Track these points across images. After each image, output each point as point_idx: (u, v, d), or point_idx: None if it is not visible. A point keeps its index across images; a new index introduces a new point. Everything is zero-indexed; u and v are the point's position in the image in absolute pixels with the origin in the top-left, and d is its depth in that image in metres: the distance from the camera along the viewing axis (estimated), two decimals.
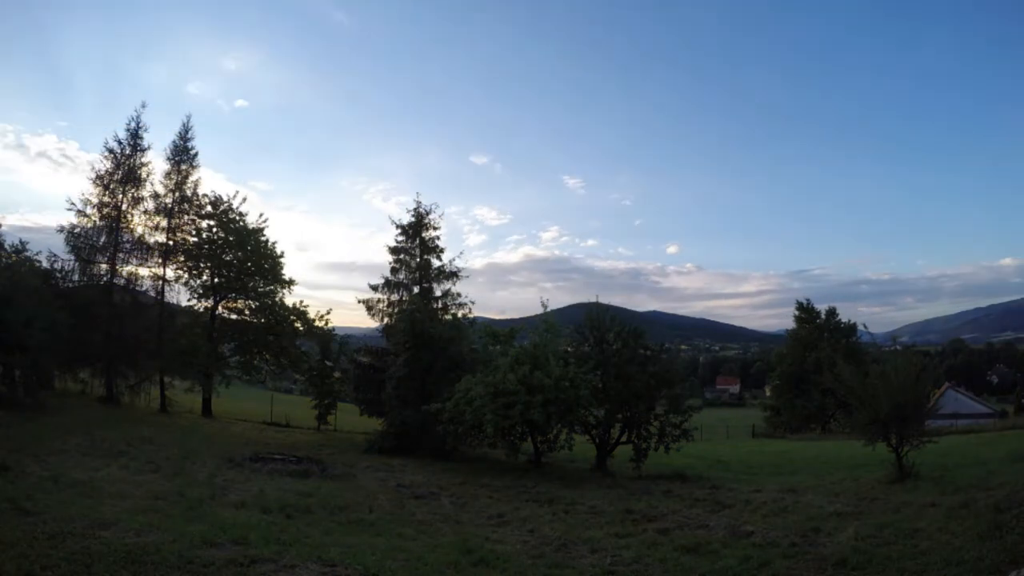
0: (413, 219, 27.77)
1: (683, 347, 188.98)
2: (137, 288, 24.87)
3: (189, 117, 26.29)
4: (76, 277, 23.67)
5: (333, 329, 29.77)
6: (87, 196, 23.46)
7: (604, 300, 21.83)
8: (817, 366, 41.02)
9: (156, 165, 24.94)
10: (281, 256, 27.12)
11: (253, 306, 27.29)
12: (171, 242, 25.28)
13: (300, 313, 27.53)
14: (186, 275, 25.95)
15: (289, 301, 27.71)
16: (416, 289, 27.22)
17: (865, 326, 47.87)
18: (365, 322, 29.50)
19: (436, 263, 27.80)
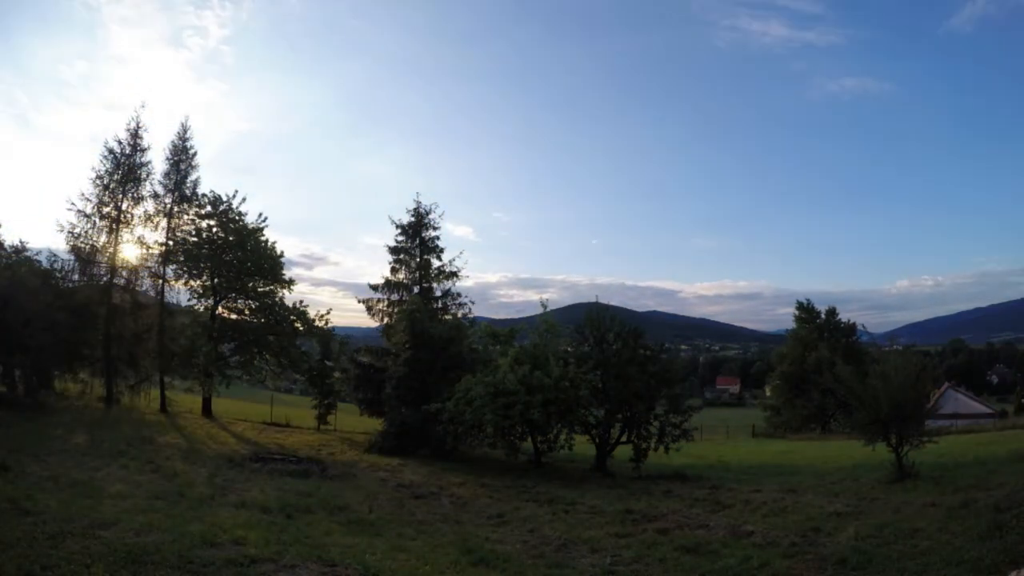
0: (413, 219, 27.77)
1: (683, 347, 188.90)
2: (137, 288, 24.85)
3: (188, 118, 26.30)
4: (76, 277, 23.65)
5: (333, 329, 29.73)
6: (87, 196, 23.47)
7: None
8: (817, 366, 41.05)
9: (156, 165, 24.95)
10: (281, 256, 27.09)
11: (253, 306, 27.24)
12: (171, 242, 25.26)
13: (300, 313, 27.48)
14: (186, 275, 25.92)
15: (289, 301, 27.68)
16: (416, 289, 27.22)
17: (864, 326, 47.67)
18: (365, 322, 29.55)
19: (436, 263, 27.82)
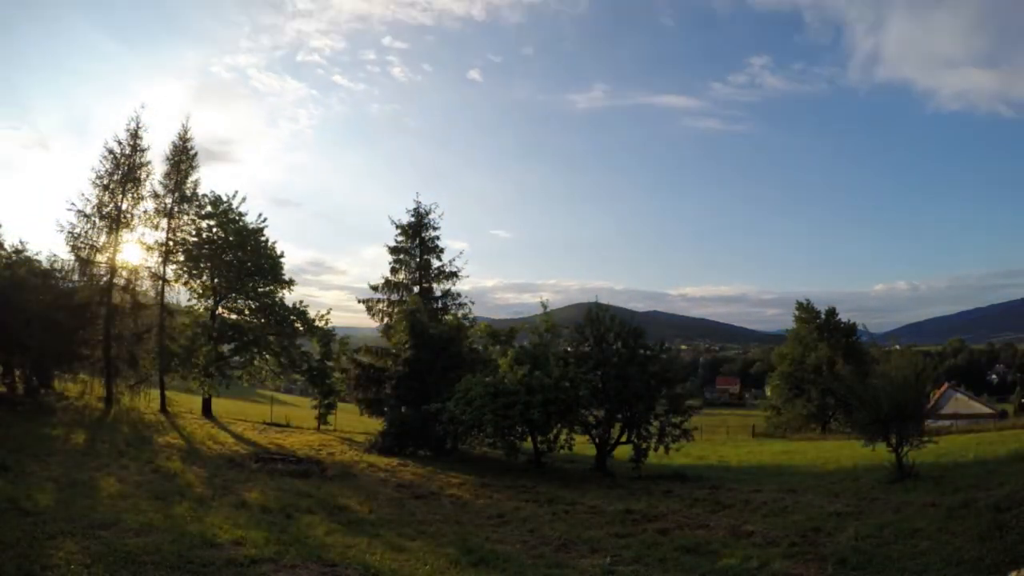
0: (413, 219, 27.78)
1: (683, 347, 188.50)
2: (137, 288, 24.83)
3: (188, 118, 26.28)
4: (76, 277, 23.63)
5: (333, 329, 29.77)
6: (87, 196, 23.45)
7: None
8: (817, 366, 41.02)
9: (156, 166, 24.94)
10: (281, 256, 27.11)
11: (253, 306, 27.25)
12: (171, 242, 25.25)
13: (300, 313, 27.50)
14: (186, 275, 25.93)
15: (289, 301, 27.69)
16: (416, 289, 27.22)
17: (865, 326, 47.41)
18: (365, 322, 29.56)
19: (436, 263, 27.82)
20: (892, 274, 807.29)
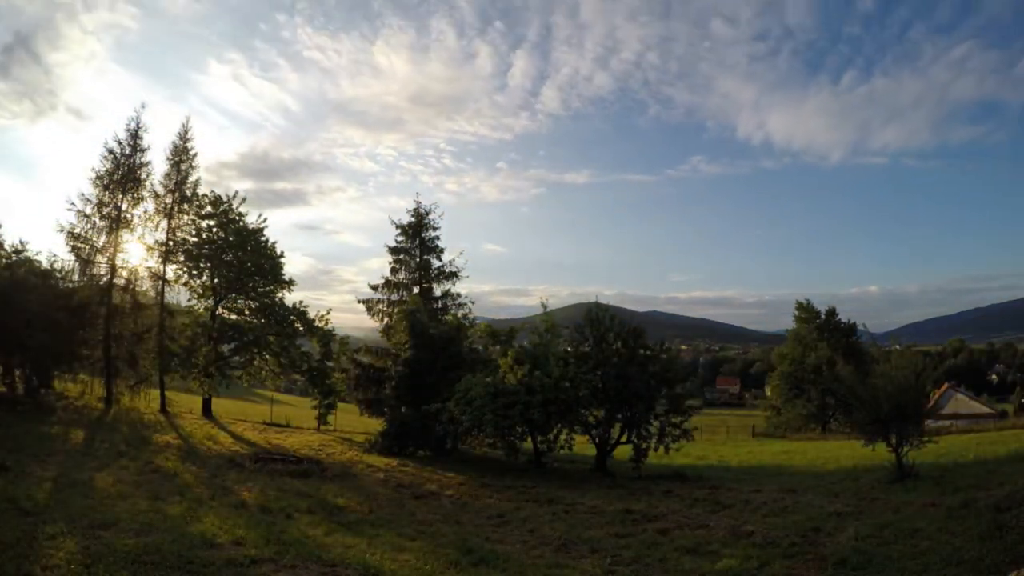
0: (413, 219, 27.80)
1: (683, 347, 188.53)
2: (137, 288, 24.83)
3: (188, 118, 26.29)
4: (76, 277, 23.62)
5: (333, 329, 29.77)
6: (87, 196, 23.45)
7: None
8: (817, 366, 40.99)
9: (156, 166, 24.93)
10: (281, 256, 27.10)
11: (253, 306, 27.25)
12: (171, 242, 25.24)
13: (300, 313, 27.49)
14: (186, 275, 25.93)
15: (289, 301, 27.67)
16: (416, 289, 27.23)
17: (865, 326, 47.35)
18: (365, 322, 29.58)
19: (436, 263, 27.84)
20: (864, 279, 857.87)
